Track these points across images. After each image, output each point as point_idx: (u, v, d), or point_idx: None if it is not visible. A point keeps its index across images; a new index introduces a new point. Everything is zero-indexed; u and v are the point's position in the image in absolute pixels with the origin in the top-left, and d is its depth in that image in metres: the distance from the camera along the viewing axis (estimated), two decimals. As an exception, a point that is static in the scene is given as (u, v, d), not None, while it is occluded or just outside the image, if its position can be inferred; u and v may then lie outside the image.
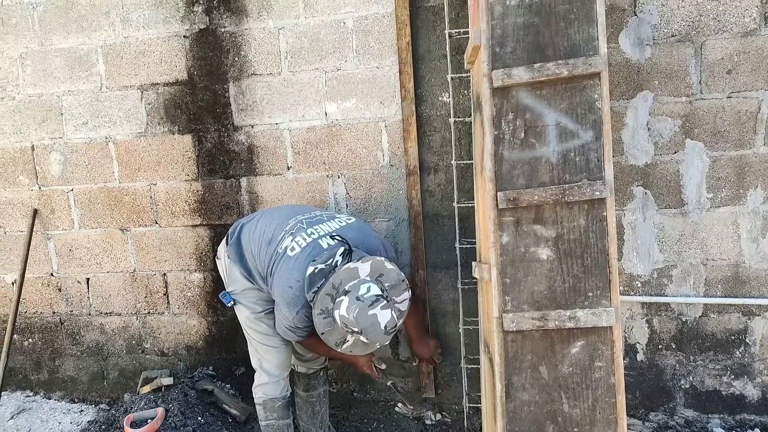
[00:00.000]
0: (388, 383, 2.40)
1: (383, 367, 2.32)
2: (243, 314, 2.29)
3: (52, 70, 2.86)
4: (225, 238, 2.37)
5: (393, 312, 1.88)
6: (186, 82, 2.76)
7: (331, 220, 2.17)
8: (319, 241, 2.05)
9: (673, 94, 2.37)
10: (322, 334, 1.94)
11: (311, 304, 1.95)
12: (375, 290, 1.86)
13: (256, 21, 2.64)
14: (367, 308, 1.83)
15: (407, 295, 1.96)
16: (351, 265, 1.92)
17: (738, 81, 2.32)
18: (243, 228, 2.29)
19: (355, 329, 1.85)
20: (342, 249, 1.99)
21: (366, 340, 1.88)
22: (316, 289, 1.94)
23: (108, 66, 2.81)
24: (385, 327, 1.86)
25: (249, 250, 2.22)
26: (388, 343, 2.05)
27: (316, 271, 1.95)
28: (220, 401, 2.77)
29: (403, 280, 1.97)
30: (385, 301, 1.86)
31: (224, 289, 2.34)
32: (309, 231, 2.10)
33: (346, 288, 1.88)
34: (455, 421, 2.75)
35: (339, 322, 1.89)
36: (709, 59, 2.33)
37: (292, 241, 2.09)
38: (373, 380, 2.84)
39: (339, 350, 1.98)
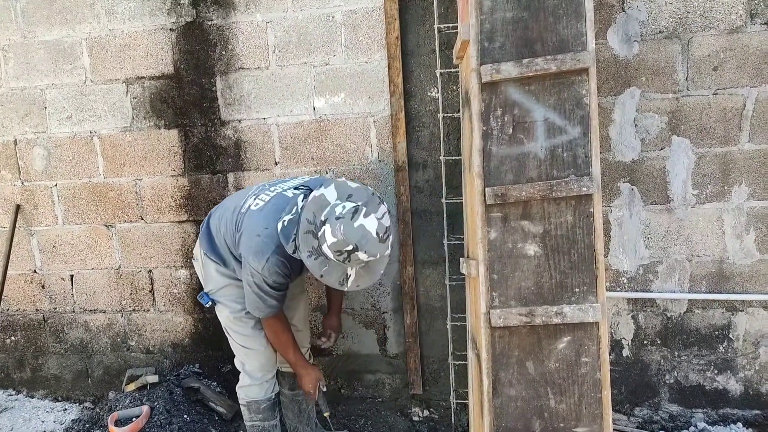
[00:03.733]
0: (326, 414, 2.28)
1: (325, 389, 2.26)
2: (223, 314, 2.24)
3: (36, 63, 2.81)
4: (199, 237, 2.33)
5: (378, 220, 1.80)
6: (172, 76, 2.73)
7: (295, 179, 2.16)
8: (284, 192, 2.03)
9: (660, 90, 2.38)
10: (321, 276, 1.86)
11: (297, 253, 1.87)
12: (350, 206, 1.79)
13: (243, 14, 2.61)
14: (351, 222, 1.76)
15: (384, 208, 1.87)
16: (316, 192, 1.85)
17: (724, 78, 2.34)
18: (212, 215, 2.27)
19: (349, 248, 1.76)
20: (303, 195, 1.95)
21: (365, 257, 1.78)
22: (293, 237, 1.87)
23: (93, 59, 2.76)
24: (378, 234, 1.78)
25: (218, 231, 2.16)
26: (388, 260, 1.92)
27: (286, 223, 1.90)
28: (206, 399, 2.74)
29: (374, 194, 1.89)
30: (365, 209, 1.79)
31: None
32: (272, 188, 2.09)
33: (322, 218, 1.80)
34: (442, 417, 2.75)
35: (332, 256, 1.80)
36: (696, 56, 2.34)
37: (255, 199, 2.07)
38: (360, 376, 2.84)
39: (346, 288, 1.89)
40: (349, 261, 1.81)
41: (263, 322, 2.16)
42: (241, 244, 2.02)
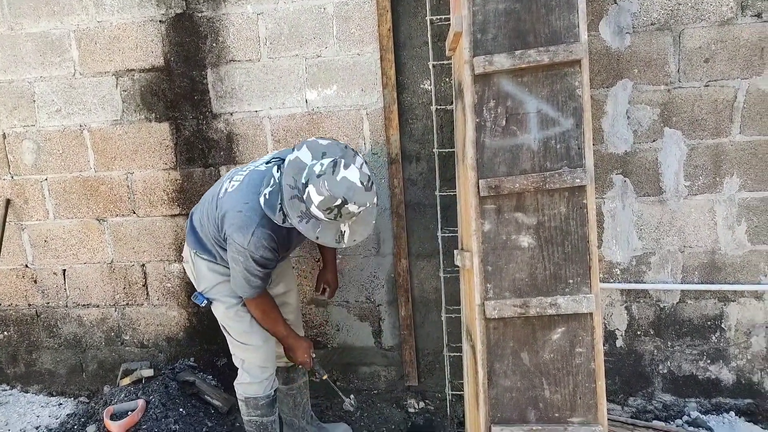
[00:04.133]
0: (323, 377, 2.32)
1: (314, 355, 2.29)
2: (219, 310, 2.22)
3: (23, 56, 2.77)
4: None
5: (359, 169, 1.80)
6: (163, 69, 2.70)
7: (265, 156, 2.17)
8: (256, 168, 2.04)
9: (652, 82, 2.39)
10: (317, 238, 1.84)
11: (287, 221, 1.86)
12: (328, 161, 1.78)
13: (234, 6, 2.59)
14: (333, 176, 1.75)
15: (361, 158, 1.87)
16: (290, 157, 1.84)
17: (715, 70, 2.34)
18: (193, 213, 2.26)
19: (338, 202, 1.75)
20: (277, 166, 1.94)
21: (355, 208, 1.78)
22: (279, 206, 1.86)
23: (81, 51, 2.73)
24: (362, 183, 1.78)
25: (202, 226, 2.15)
26: (375, 206, 1.92)
27: (268, 195, 1.89)
28: (201, 392, 2.74)
29: (346, 147, 1.88)
30: (343, 161, 1.78)
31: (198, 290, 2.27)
32: (244, 169, 2.11)
33: (304, 180, 1.79)
34: (438, 409, 2.77)
35: (322, 215, 1.79)
36: (688, 48, 2.35)
37: (230, 182, 2.08)
38: (356, 369, 2.85)
39: (344, 245, 1.88)
40: (340, 216, 1.80)
41: (250, 304, 2.13)
42: (224, 223, 1.99)
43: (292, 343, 2.23)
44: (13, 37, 2.76)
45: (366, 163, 1.89)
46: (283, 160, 1.93)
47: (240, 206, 1.96)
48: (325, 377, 2.34)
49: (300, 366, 2.33)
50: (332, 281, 2.53)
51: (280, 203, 1.85)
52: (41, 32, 2.74)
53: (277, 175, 1.92)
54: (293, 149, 1.89)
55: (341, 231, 1.86)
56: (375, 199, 1.87)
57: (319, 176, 1.77)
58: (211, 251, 2.15)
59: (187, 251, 2.27)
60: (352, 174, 1.78)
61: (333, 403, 2.83)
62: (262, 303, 2.13)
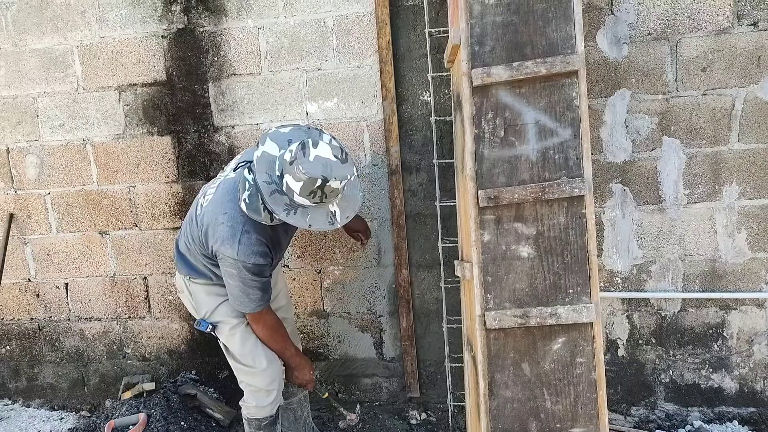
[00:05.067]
0: (325, 395, 2.32)
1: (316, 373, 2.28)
2: (224, 333, 2.14)
3: (27, 71, 2.81)
4: None
5: (329, 144, 1.76)
6: (165, 83, 2.73)
7: (230, 163, 2.15)
8: (226, 178, 2.01)
9: (650, 91, 2.40)
10: (310, 226, 1.80)
11: (274, 218, 1.83)
12: (295, 146, 1.75)
13: (235, 20, 2.62)
14: (305, 158, 1.71)
15: (328, 135, 1.84)
16: (257, 153, 1.81)
17: (713, 78, 2.36)
18: (178, 238, 2.22)
19: (318, 182, 1.71)
20: (247, 169, 1.90)
21: (338, 184, 1.74)
22: (262, 207, 1.82)
23: (84, 67, 2.76)
24: (336, 156, 1.75)
25: (188, 249, 2.11)
26: (357, 177, 1.89)
27: (247, 200, 1.83)
28: (203, 405, 2.74)
29: (309, 128, 1.85)
30: (311, 141, 1.75)
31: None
32: (214, 182, 2.08)
33: (278, 173, 1.76)
34: (440, 420, 2.76)
35: (307, 202, 1.76)
36: (685, 57, 2.36)
37: (203, 197, 2.05)
38: (357, 380, 2.84)
39: (338, 224, 1.84)
40: (325, 197, 1.77)
41: (255, 321, 2.08)
42: (209, 240, 1.95)
43: (300, 362, 2.19)
44: (17, 53, 2.80)
45: (334, 138, 1.87)
46: (251, 161, 1.89)
47: (219, 218, 1.91)
48: (326, 395, 2.33)
49: (298, 386, 2.29)
50: (362, 229, 2.50)
51: (263, 203, 1.81)
52: (45, 48, 2.77)
53: (249, 177, 1.87)
54: (257, 145, 1.86)
55: (331, 212, 1.82)
56: (354, 170, 1.82)
57: (291, 163, 1.73)
58: (205, 273, 2.10)
59: (180, 281, 2.21)
60: (324, 150, 1.74)
61: (334, 415, 2.82)
62: (268, 320, 2.08)
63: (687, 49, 2.36)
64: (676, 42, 2.36)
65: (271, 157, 1.80)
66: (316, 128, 1.88)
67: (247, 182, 1.86)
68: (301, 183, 1.72)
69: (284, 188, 1.76)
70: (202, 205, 2.03)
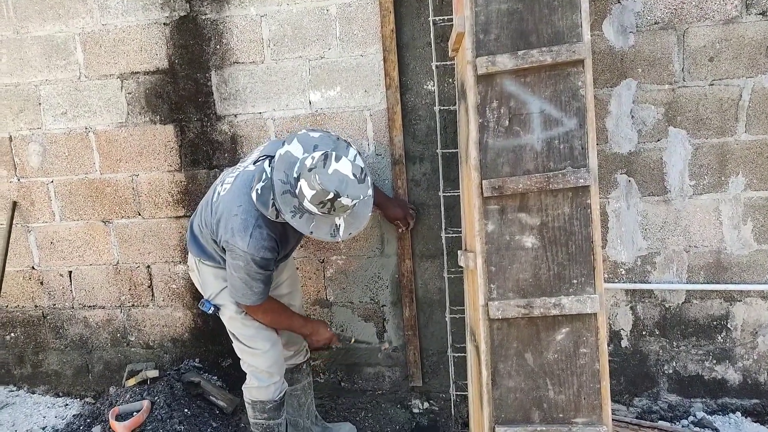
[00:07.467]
0: (352, 341, 2.51)
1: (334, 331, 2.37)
2: (226, 315, 2.20)
3: (29, 59, 2.79)
4: None
5: (352, 162, 1.77)
6: (167, 71, 2.71)
7: (253, 153, 2.16)
8: (246, 169, 2.02)
9: (657, 81, 2.38)
10: (311, 233, 1.82)
11: (280, 216, 1.84)
12: (319, 155, 1.75)
13: (237, 8, 2.59)
14: (324, 170, 1.72)
15: (354, 150, 1.85)
16: (281, 151, 1.82)
17: (720, 68, 2.33)
18: (192, 221, 2.25)
19: (330, 196, 1.72)
20: (268, 162, 1.91)
21: (349, 201, 1.75)
22: (271, 202, 1.83)
23: (86, 54, 2.75)
24: (354, 175, 1.75)
25: (201, 232, 2.14)
26: (371, 198, 1.89)
27: (260, 191, 1.86)
28: (206, 393, 2.75)
29: (338, 138, 1.85)
30: (335, 154, 1.75)
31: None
32: (234, 171, 2.10)
33: (295, 175, 1.77)
34: (442, 409, 2.77)
35: (315, 210, 1.77)
36: (692, 47, 2.34)
37: (222, 185, 2.08)
38: (360, 369, 2.85)
39: (339, 239, 1.86)
40: (334, 210, 1.77)
41: (256, 312, 2.11)
42: (220, 229, 1.98)
43: (312, 327, 2.24)
44: (18, 41, 2.78)
45: (359, 154, 1.87)
46: (273, 155, 1.90)
47: (234, 209, 1.94)
48: (353, 340, 2.49)
49: (327, 348, 2.35)
50: (400, 216, 2.48)
51: (273, 198, 1.82)
52: (47, 35, 2.76)
53: (268, 170, 1.89)
54: (283, 143, 1.87)
55: (336, 225, 1.84)
56: (369, 191, 1.84)
57: (310, 170, 1.74)
58: (214, 256, 2.15)
59: (191, 260, 2.27)
60: (345, 166, 1.75)
61: (337, 403, 2.83)
62: (269, 308, 2.13)
63: (694, 38, 2.33)
64: (684, 31, 2.33)
65: (294, 158, 1.82)
66: (345, 141, 1.88)
67: (264, 174, 1.89)
68: (314, 191, 1.74)
69: (297, 191, 1.78)
70: (219, 194, 2.06)
